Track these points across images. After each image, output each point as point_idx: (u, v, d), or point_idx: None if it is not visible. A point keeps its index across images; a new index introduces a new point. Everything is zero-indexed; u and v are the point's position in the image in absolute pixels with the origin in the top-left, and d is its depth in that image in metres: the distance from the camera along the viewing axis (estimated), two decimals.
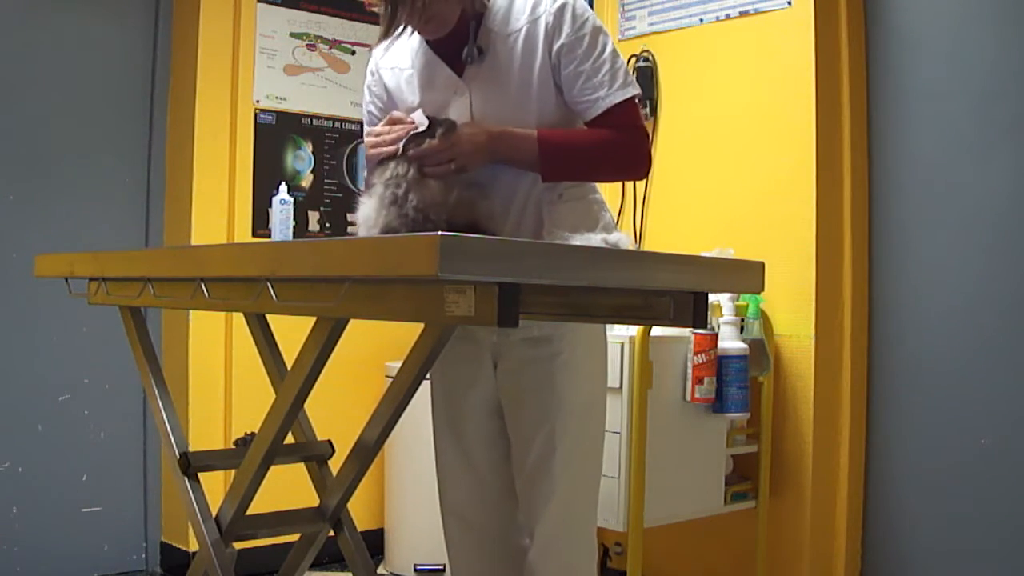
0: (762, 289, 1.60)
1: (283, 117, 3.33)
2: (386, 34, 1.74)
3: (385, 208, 1.66)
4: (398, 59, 1.88)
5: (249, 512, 1.79)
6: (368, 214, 1.69)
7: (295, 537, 2.03)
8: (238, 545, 1.82)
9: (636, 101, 1.82)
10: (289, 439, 1.91)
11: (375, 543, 3.31)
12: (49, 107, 3.07)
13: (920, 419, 2.81)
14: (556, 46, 1.76)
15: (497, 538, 1.96)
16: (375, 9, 1.73)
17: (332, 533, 1.97)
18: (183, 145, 3.19)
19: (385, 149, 1.72)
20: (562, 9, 1.76)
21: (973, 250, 2.72)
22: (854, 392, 2.89)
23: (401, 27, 1.73)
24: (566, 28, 1.75)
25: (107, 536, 3.17)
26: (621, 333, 2.58)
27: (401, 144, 1.70)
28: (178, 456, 1.86)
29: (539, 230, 1.78)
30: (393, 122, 1.74)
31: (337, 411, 2.76)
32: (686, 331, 2.61)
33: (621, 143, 1.81)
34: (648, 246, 3.27)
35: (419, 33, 1.79)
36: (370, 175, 1.83)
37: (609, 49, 1.79)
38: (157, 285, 1.73)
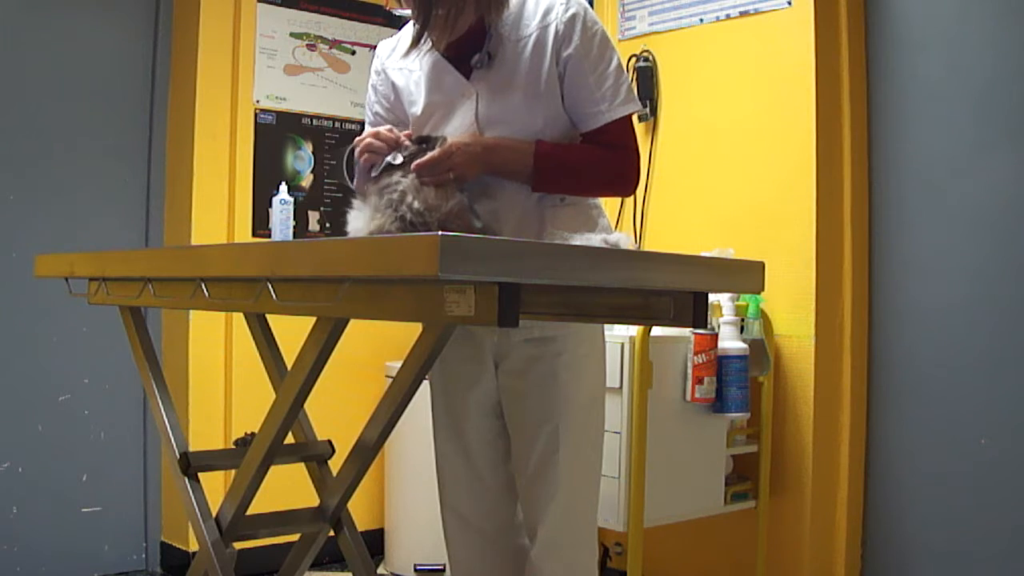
0: (762, 289, 1.60)
1: (283, 117, 3.33)
2: (416, 44, 1.77)
3: (380, 212, 1.65)
4: (406, 60, 1.88)
5: (249, 512, 1.79)
6: (358, 226, 1.69)
7: (295, 537, 2.03)
8: (238, 545, 1.82)
9: (635, 118, 1.85)
10: (289, 439, 1.91)
11: (375, 543, 3.32)
12: (49, 107, 3.07)
13: (920, 419, 2.81)
14: (564, 54, 1.77)
15: (497, 537, 1.96)
16: (401, 12, 1.75)
17: (332, 533, 1.97)
18: (183, 145, 3.19)
19: (375, 156, 1.73)
20: (574, 18, 1.77)
21: (973, 250, 2.72)
22: (854, 392, 2.89)
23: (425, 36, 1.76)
24: (576, 38, 1.76)
25: (107, 536, 3.17)
26: (621, 333, 2.58)
27: (397, 158, 1.71)
28: (178, 456, 1.86)
29: (541, 233, 1.79)
30: (377, 136, 1.76)
31: (337, 411, 2.76)
32: (686, 331, 2.61)
33: (614, 162, 1.83)
34: (648, 246, 3.27)
35: (435, 41, 1.80)
36: (360, 179, 1.84)
37: (615, 63, 1.80)
38: (157, 285, 1.73)
